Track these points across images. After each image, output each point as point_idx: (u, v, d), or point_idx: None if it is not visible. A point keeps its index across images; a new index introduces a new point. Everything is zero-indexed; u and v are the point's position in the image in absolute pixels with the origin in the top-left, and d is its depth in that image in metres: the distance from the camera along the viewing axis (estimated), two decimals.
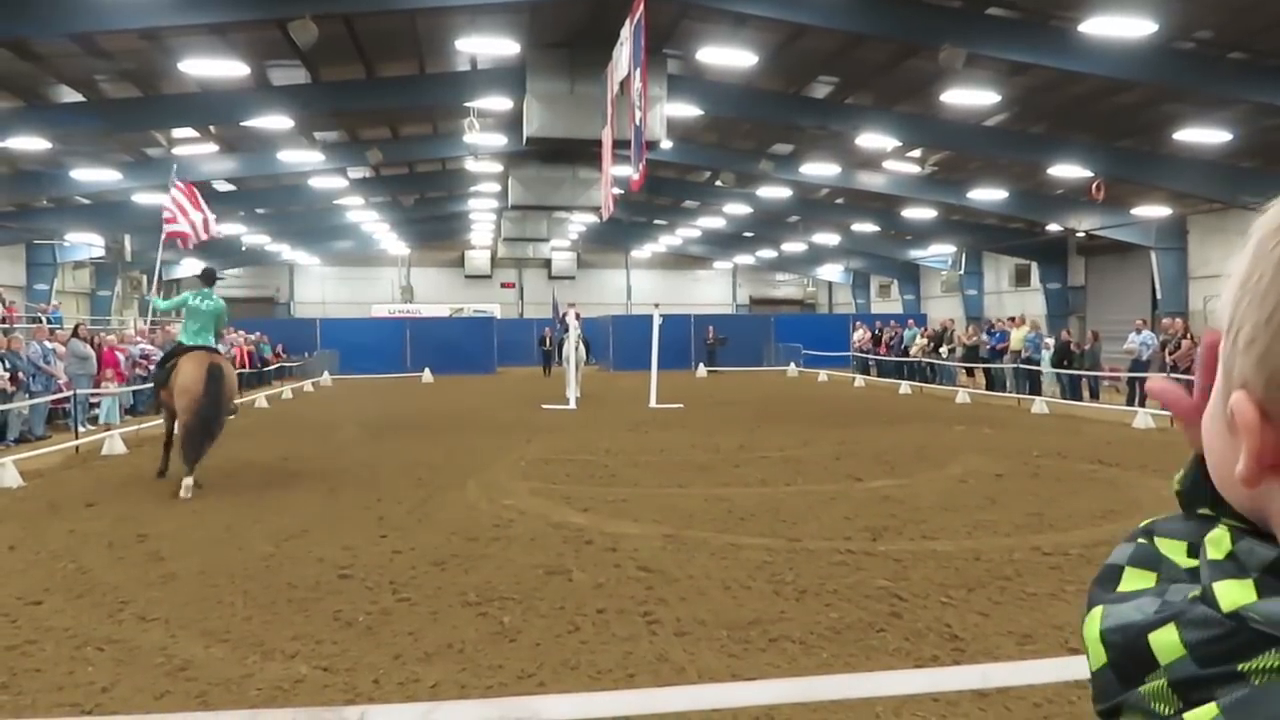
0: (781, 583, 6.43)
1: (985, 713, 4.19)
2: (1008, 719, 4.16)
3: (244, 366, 27.86)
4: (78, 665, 5.05)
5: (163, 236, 14.89)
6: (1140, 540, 0.64)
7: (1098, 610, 0.60)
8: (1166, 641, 0.55)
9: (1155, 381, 0.74)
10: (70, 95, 20.00)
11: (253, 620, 5.76)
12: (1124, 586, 0.61)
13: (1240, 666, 0.52)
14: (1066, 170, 23.66)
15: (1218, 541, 0.57)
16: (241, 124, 22.41)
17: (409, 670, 4.84)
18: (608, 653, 5.11)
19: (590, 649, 5.19)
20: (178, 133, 24.13)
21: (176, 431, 10.76)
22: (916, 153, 26.50)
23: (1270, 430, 0.55)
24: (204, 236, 15.37)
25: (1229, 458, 0.57)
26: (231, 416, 11.39)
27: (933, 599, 6.02)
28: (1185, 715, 0.53)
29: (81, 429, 15.53)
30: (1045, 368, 22.92)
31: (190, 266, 40.97)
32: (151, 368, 20.73)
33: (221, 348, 12.22)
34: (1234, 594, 0.54)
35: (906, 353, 29.41)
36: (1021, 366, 23.14)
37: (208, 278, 11.68)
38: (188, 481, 10.04)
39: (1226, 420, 0.57)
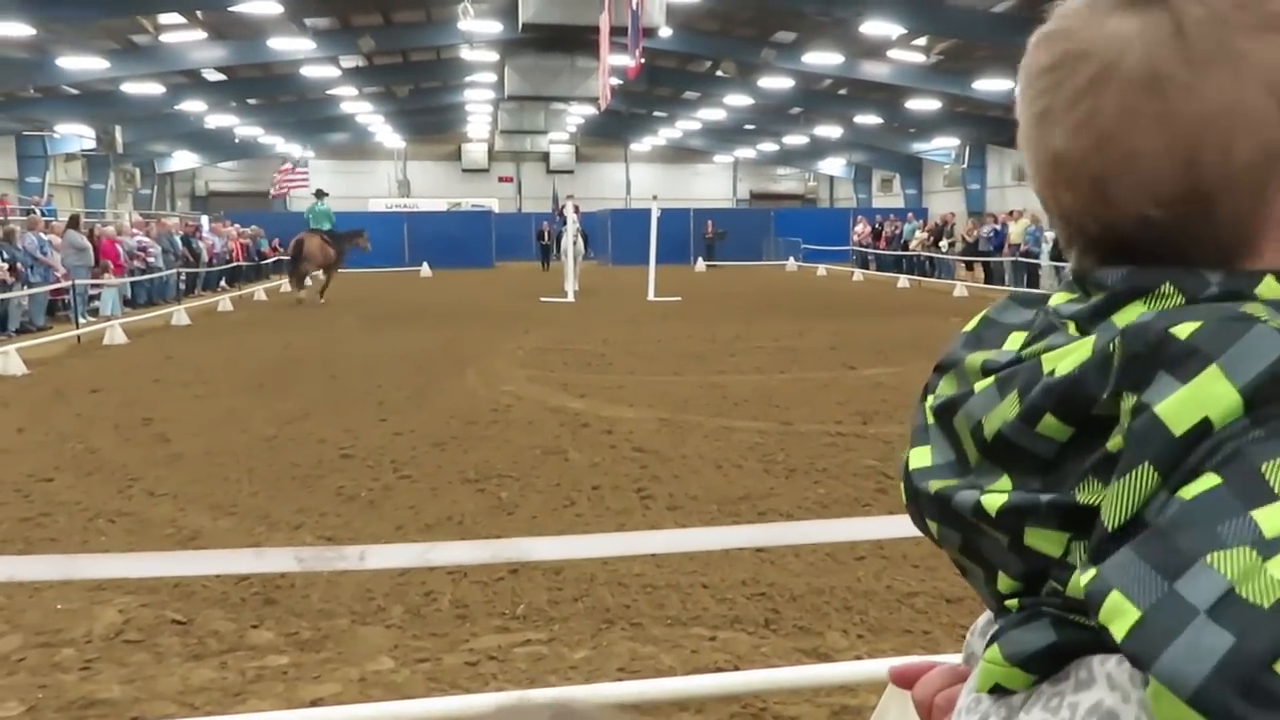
0: (772, 462, 6.61)
1: None
2: None
3: (240, 260, 27.82)
4: (91, 535, 5.24)
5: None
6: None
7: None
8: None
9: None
10: None
11: (258, 495, 5.95)
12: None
13: (1024, 352, 0.63)
14: None
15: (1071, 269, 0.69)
16: (229, 9, 21.81)
17: (410, 540, 5.03)
18: (602, 524, 5.29)
19: (585, 521, 5.38)
20: (164, 19, 23.52)
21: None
22: (922, 41, 25.88)
23: None
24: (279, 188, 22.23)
25: None
26: (310, 274, 20.53)
27: None
28: (975, 385, 0.64)
29: (82, 320, 15.62)
30: (1044, 261, 22.87)
31: (181, 160, 40.52)
32: (150, 259, 21.02)
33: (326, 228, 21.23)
34: (1057, 298, 0.66)
35: (906, 247, 29.30)
36: (1020, 260, 23.09)
37: (319, 195, 22.12)
38: (300, 294, 19.66)
39: None
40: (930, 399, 0.70)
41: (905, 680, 0.79)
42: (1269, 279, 0.57)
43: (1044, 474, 0.59)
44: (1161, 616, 0.48)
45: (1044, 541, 0.58)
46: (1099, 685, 0.55)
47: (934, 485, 0.65)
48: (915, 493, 0.68)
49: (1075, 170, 0.61)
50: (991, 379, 0.63)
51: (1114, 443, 0.55)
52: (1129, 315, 0.58)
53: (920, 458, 0.68)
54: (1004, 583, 0.62)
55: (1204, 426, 0.51)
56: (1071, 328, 0.61)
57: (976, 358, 0.66)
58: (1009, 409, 0.60)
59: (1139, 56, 0.58)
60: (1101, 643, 0.55)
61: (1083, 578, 0.52)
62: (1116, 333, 0.56)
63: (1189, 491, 0.50)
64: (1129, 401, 0.54)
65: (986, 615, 0.69)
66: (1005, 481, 0.61)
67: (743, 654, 3.77)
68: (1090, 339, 0.58)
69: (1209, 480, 0.50)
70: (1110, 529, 0.52)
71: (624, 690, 3.16)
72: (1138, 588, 0.49)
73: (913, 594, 4.30)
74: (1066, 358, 0.58)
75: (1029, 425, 0.58)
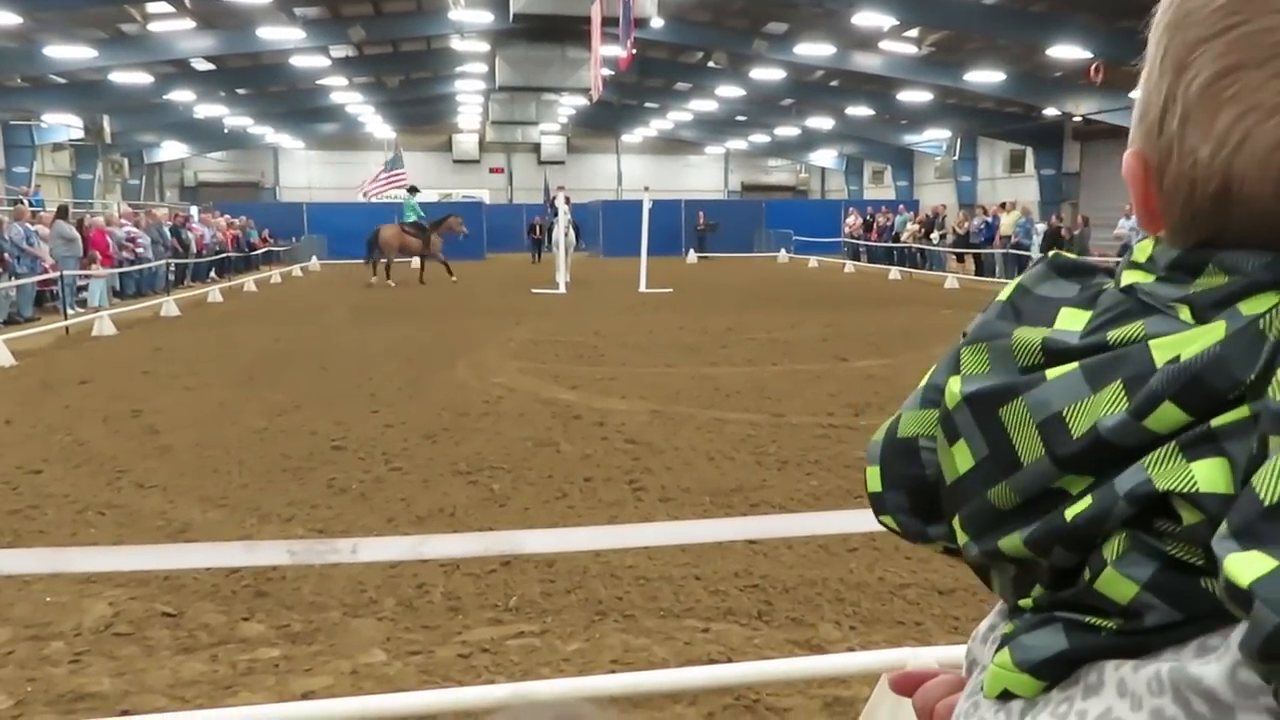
0: (764, 454, 6.61)
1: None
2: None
3: (230, 250, 27.70)
4: (80, 528, 5.21)
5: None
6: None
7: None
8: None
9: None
10: None
11: (249, 488, 5.92)
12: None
13: (1109, 335, 0.57)
14: (1065, 51, 23.18)
15: (1144, 248, 0.62)
16: None
17: (401, 532, 5.01)
18: (594, 516, 5.29)
19: (577, 513, 5.37)
20: (153, 7, 23.37)
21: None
22: (913, 32, 25.88)
23: (1152, 179, 0.60)
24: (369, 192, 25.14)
25: (1136, 209, 0.64)
26: (386, 261, 22.52)
27: None
28: (1047, 373, 0.57)
29: (70, 311, 15.53)
30: (1035, 253, 22.93)
31: (169, 150, 40.28)
32: (139, 250, 20.94)
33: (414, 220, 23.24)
34: (1135, 276, 0.60)
35: (897, 239, 29.34)
36: (1011, 251, 23.15)
37: (412, 190, 24.12)
38: (372, 279, 21.92)
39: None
40: (956, 380, 0.62)
41: (906, 688, 0.78)
42: None
43: (1115, 468, 0.54)
44: None
45: (1108, 544, 0.54)
46: (1108, 691, 0.54)
47: (996, 495, 0.58)
48: (953, 495, 0.61)
49: None
50: (1074, 366, 0.56)
51: (1223, 420, 0.51)
52: (1259, 304, 0.53)
53: (959, 459, 0.60)
54: (1033, 588, 0.59)
55: None
56: (1185, 312, 0.56)
57: (1030, 334, 0.60)
58: (1110, 403, 0.54)
59: None
60: (1114, 647, 0.54)
61: (1237, 559, 0.46)
62: (1267, 311, 0.52)
63: None
64: None
65: (988, 621, 0.68)
66: (1080, 484, 0.55)
67: (735, 646, 3.77)
68: (1218, 324, 0.53)
69: None
70: (1268, 504, 0.46)
71: (617, 682, 3.16)
72: None
73: (905, 585, 4.31)
74: (1192, 344, 0.53)
75: (1139, 419, 0.53)
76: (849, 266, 28.80)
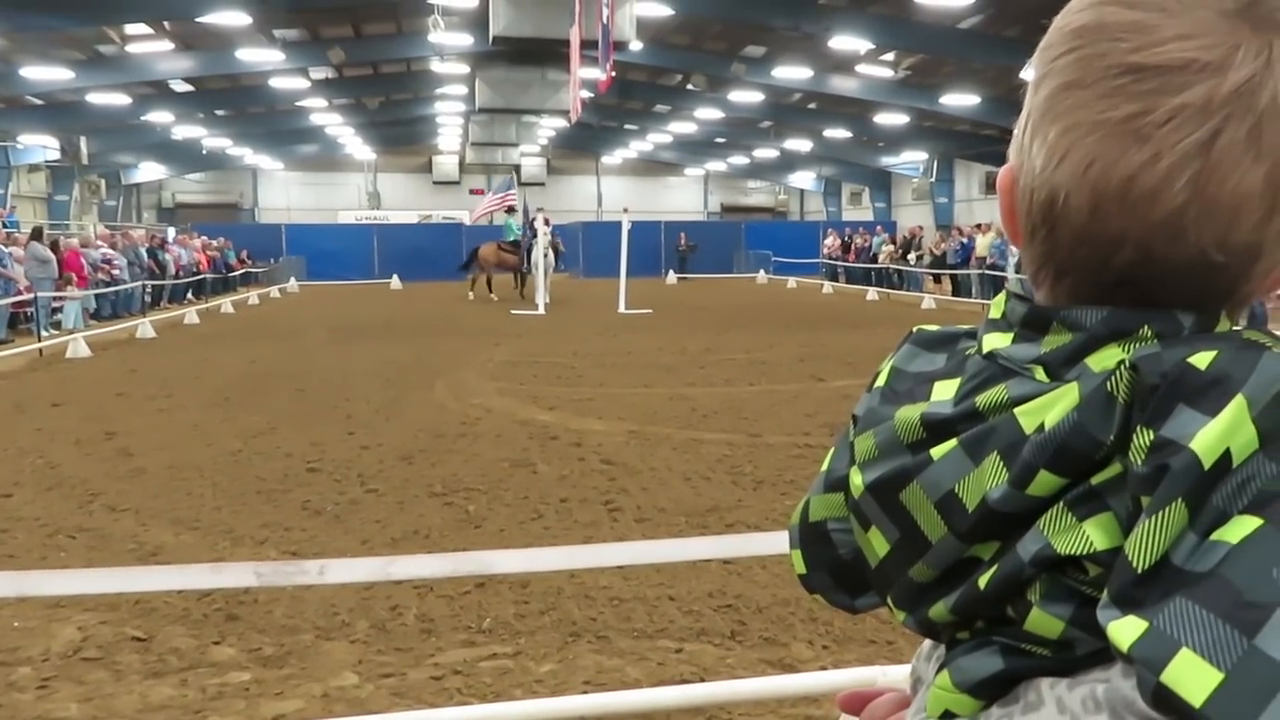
0: (740, 474, 6.63)
1: None
2: None
3: (206, 272, 27.55)
4: (50, 552, 5.16)
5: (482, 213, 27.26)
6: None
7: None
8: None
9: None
10: None
11: (222, 510, 5.88)
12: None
13: (977, 401, 0.59)
14: None
15: (998, 304, 0.65)
16: (197, 20, 21.67)
17: (376, 555, 4.99)
18: (570, 537, 5.28)
19: (553, 534, 5.37)
20: (131, 29, 23.31)
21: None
22: (890, 56, 26.19)
23: (1017, 192, 0.63)
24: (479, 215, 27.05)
25: (1003, 221, 0.67)
26: (484, 277, 24.39)
27: None
28: (932, 452, 0.60)
29: (44, 333, 15.39)
30: (1010, 273, 23.12)
31: (147, 171, 40.09)
32: (115, 272, 20.83)
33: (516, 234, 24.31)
34: (994, 340, 0.63)
35: (875, 260, 29.55)
36: (987, 272, 23.35)
37: (510, 210, 25.29)
38: (471, 294, 23.64)
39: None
40: (857, 473, 0.65)
41: (854, 706, 0.80)
42: (1222, 317, 0.57)
43: (1014, 530, 0.56)
44: (1250, 679, 0.44)
45: (1031, 587, 0.56)
46: (1048, 708, 0.55)
47: (916, 572, 0.61)
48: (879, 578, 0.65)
49: (1155, 195, 0.54)
50: (954, 443, 0.58)
51: (1101, 478, 0.53)
52: (1105, 359, 0.55)
53: (876, 544, 0.64)
54: (948, 619, 0.61)
55: (1225, 461, 0.48)
56: (1040, 373, 0.58)
57: (910, 413, 0.62)
58: (992, 475, 0.56)
59: (1276, 87, 0.53)
60: (1048, 668, 0.56)
61: (1117, 626, 0.48)
62: (1112, 371, 0.53)
63: (1231, 534, 0.47)
64: (1145, 437, 0.50)
65: (931, 640, 0.70)
66: (988, 550, 0.57)
67: (709, 666, 3.78)
68: (1072, 385, 0.55)
69: (1249, 523, 0.47)
70: (1140, 571, 0.48)
71: (590, 703, 3.16)
72: (1213, 645, 0.45)
73: None
74: (1053, 408, 0.54)
75: (1020, 489, 0.54)
76: (827, 287, 28.97)
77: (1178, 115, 0.53)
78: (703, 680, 3.60)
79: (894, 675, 2.80)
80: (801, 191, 51.25)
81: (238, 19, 21.42)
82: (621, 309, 20.48)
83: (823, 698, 3.36)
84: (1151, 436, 0.50)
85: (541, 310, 20.56)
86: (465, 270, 25.26)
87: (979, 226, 26.95)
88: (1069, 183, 0.57)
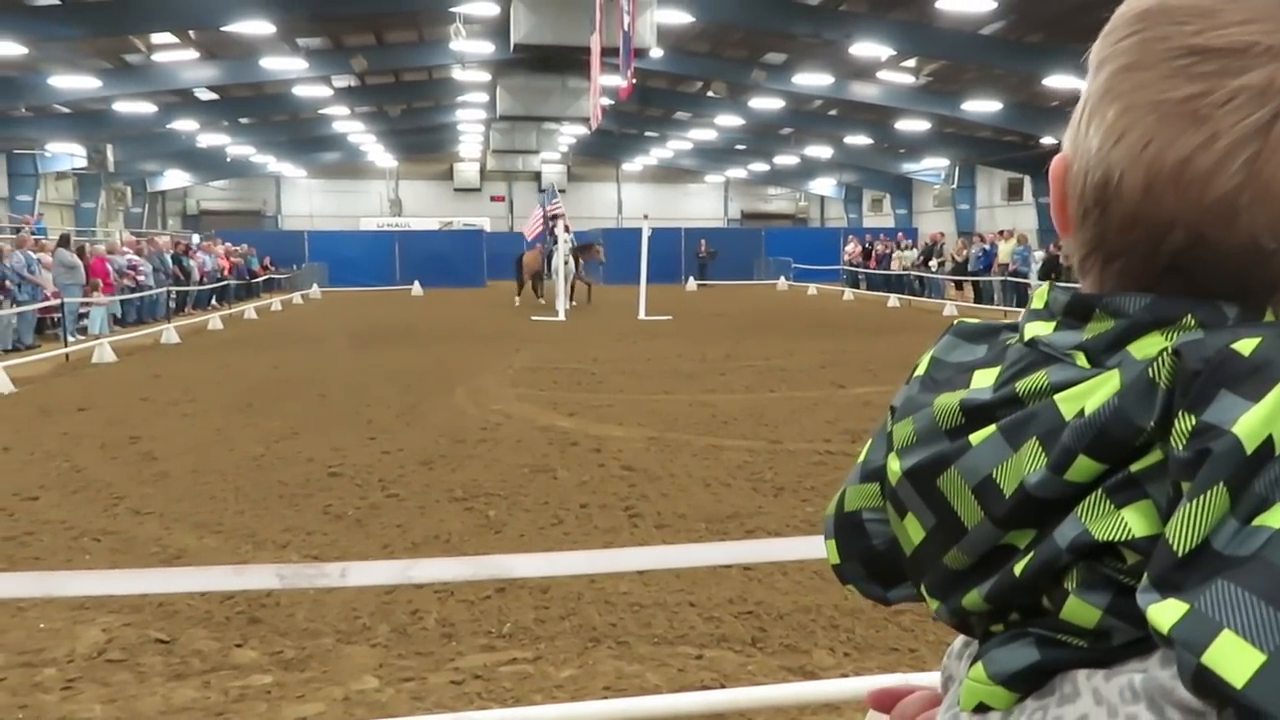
0: (761, 481, 6.61)
1: None
2: None
3: (230, 278, 27.79)
4: (75, 554, 5.21)
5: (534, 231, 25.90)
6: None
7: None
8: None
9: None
10: None
11: (245, 514, 5.92)
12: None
13: (1017, 387, 0.59)
14: (1062, 81, 23.33)
15: (1040, 294, 0.65)
16: (222, 29, 21.89)
17: (397, 559, 5.01)
18: (589, 543, 5.28)
19: (573, 539, 5.37)
20: (157, 38, 23.58)
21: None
22: (911, 63, 26.09)
23: (1069, 180, 0.62)
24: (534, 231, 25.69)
25: (1053, 211, 0.66)
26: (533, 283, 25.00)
27: None
28: (971, 438, 0.59)
29: (71, 338, 15.57)
30: (1033, 280, 22.99)
31: (172, 179, 40.52)
32: (140, 278, 21.06)
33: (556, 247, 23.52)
34: (1036, 329, 0.62)
35: (891, 265, 29.45)
36: (1009, 279, 23.22)
37: (555, 219, 23.87)
38: (517, 299, 24.24)
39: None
40: (895, 459, 0.65)
41: (884, 704, 0.79)
42: (1268, 312, 0.57)
43: (1051, 517, 0.56)
44: None
45: (1068, 575, 0.55)
46: (1084, 700, 0.55)
47: (951, 559, 0.61)
48: (913, 563, 0.64)
49: (1209, 177, 0.54)
50: (993, 429, 0.58)
51: (1141, 465, 0.53)
52: (1147, 346, 0.55)
53: (911, 531, 0.63)
54: (982, 608, 0.61)
55: (1268, 447, 0.48)
56: (1081, 359, 0.58)
57: (949, 399, 0.62)
58: (1030, 460, 0.56)
59: None
60: (1084, 659, 0.55)
61: (1158, 609, 0.48)
62: (1155, 357, 0.53)
63: (1273, 520, 0.47)
64: (1187, 422, 0.50)
65: (963, 638, 0.69)
66: (1024, 537, 0.57)
67: (729, 672, 3.76)
68: (1114, 371, 0.55)
69: None
70: (1180, 554, 0.48)
71: (610, 709, 3.15)
72: (1256, 627, 0.45)
73: (899, 611, 4.29)
74: (1094, 394, 0.54)
75: (1059, 474, 0.54)
76: (848, 294, 28.87)
77: (1237, 97, 0.54)
78: (723, 687, 3.58)
79: (916, 683, 2.78)
80: (822, 198, 51.11)
81: (262, 28, 21.62)
82: (642, 315, 20.48)
83: (844, 705, 3.34)
84: (1193, 421, 0.50)
85: (562, 316, 20.59)
86: (517, 275, 25.94)
87: (1001, 233, 26.81)
88: (1124, 162, 0.57)
